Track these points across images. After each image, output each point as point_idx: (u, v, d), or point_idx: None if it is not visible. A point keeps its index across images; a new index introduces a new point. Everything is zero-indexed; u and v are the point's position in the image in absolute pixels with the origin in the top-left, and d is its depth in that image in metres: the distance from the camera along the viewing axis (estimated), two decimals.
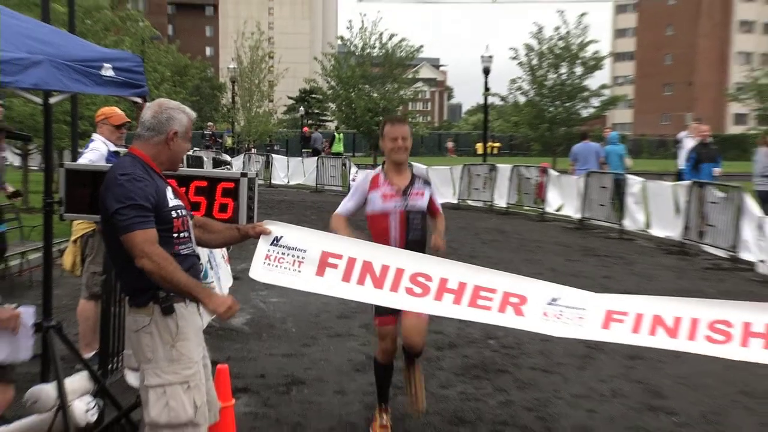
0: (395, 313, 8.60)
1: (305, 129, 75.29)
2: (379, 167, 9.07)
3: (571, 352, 12.87)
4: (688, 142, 27.52)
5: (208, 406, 6.80)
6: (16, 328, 6.12)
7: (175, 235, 6.54)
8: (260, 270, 6.90)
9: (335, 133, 66.77)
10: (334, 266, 7.50)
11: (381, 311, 8.63)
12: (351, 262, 7.78)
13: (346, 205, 9.09)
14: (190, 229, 6.72)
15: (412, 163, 8.70)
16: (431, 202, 9.21)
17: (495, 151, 63.88)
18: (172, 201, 6.56)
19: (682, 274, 20.52)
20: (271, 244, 6.56)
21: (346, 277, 7.71)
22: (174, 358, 6.43)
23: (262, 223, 7.04)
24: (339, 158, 52.30)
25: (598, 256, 23.09)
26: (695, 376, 11.77)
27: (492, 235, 26.81)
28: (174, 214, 6.53)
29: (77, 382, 8.61)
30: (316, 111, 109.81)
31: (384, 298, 7.83)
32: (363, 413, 10.08)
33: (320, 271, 7.50)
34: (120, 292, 8.41)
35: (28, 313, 6.11)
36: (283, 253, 6.67)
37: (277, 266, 6.82)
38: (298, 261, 7.05)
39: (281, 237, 6.68)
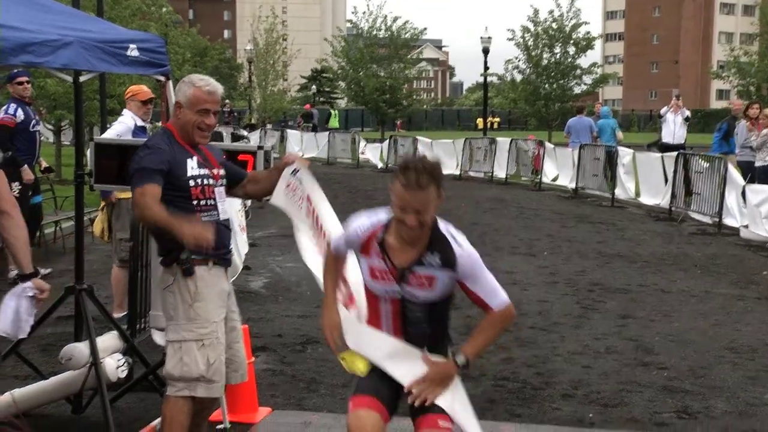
0: (382, 400, 5.35)
1: (307, 106, 75.56)
2: (383, 218, 5.42)
3: (568, 312, 12.88)
4: (670, 117, 27.68)
5: (236, 366, 6.92)
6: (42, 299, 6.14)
7: (194, 202, 6.54)
8: (280, 196, 6.70)
9: (330, 110, 66.96)
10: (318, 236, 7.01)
11: (361, 389, 5.44)
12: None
13: (339, 242, 5.82)
14: (216, 198, 6.67)
15: (440, 221, 5.31)
16: (468, 292, 5.36)
17: (495, 126, 64.00)
18: (193, 171, 6.55)
19: (669, 239, 20.50)
20: (291, 174, 6.47)
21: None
22: (191, 317, 6.48)
23: (289, 155, 6.93)
24: (349, 133, 52.39)
25: (592, 222, 23.06)
26: (683, 334, 11.75)
27: (492, 204, 26.81)
28: (192, 182, 6.53)
29: (108, 340, 8.60)
30: (327, 89, 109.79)
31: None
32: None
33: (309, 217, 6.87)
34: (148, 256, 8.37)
35: (46, 292, 6.15)
36: (297, 185, 6.56)
37: (291, 196, 6.65)
38: (303, 198, 6.84)
39: (300, 170, 6.51)
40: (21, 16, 6.51)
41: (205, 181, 6.61)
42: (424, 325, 5.42)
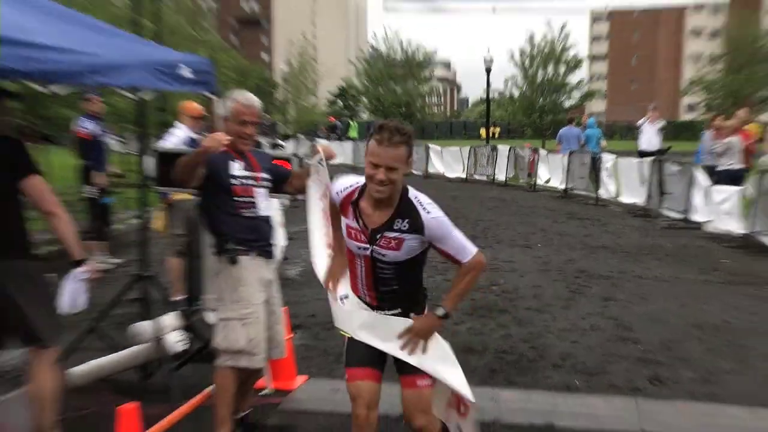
0: (374, 366, 5.45)
1: (331, 118, 75.72)
2: (360, 182, 5.40)
3: (558, 296, 12.89)
4: (647, 127, 27.76)
5: (275, 343, 7.05)
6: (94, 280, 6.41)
7: (236, 199, 6.71)
8: (312, 185, 6.50)
9: (349, 122, 66.90)
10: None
11: (352, 360, 5.48)
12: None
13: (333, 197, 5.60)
14: (255, 196, 6.81)
15: (411, 190, 5.22)
16: (440, 251, 5.28)
17: (496, 135, 63.83)
18: (236, 172, 6.74)
19: (645, 232, 20.48)
20: (318, 162, 6.47)
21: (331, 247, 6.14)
22: (235, 299, 6.65)
23: (318, 146, 6.97)
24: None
25: (579, 218, 23.02)
26: (656, 313, 11.79)
27: (494, 203, 26.77)
28: (234, 182, 6.72)
29: (169, 319, 8.73)
30: (352, 104, 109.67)
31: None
32: None
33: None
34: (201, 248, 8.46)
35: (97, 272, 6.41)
36: (321, 173, 6.50)
37: (318, 185, 6.61)
38: (324, 185, 6.75)
39: (323, 159, 6.45)
40: (91, 40, 6.60)
41: (247, 182, 6.77)
42: (393, 282, 5.34)
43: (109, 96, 16.37)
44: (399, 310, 5.41)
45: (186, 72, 7.43)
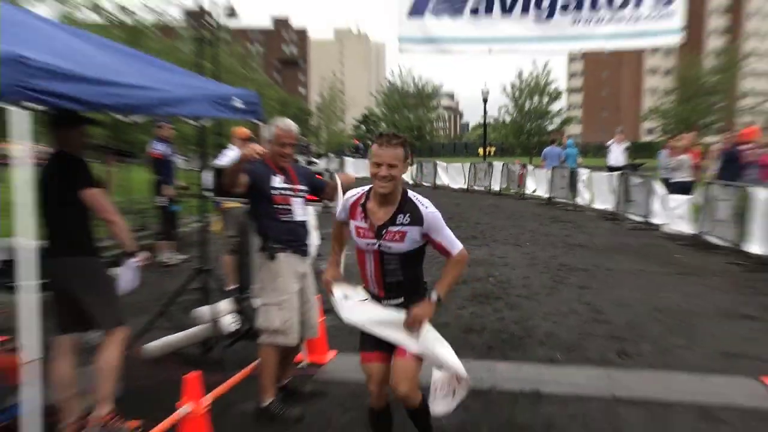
0: (383, 350, 5.28)
1: (356, 140, 75.97)
2: (366, 188, 5.34)
3: (543, 285, 12.85)
4: (615, 146, 27.79)
5: (309, 326, 7.12)
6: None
7: (275, 206, 6.80)
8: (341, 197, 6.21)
9: (369, 143, 67.40)
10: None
11: (365, 345, 5.37)
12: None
13: (339, 213, 5.58)
14: (292, 205, 6.86)
15: (410, 191, 5.18)
16: (432, 242, 5.15)
17: (491, 153, 63.87)
18: (277, 184, 6.82)
19: (614, 232, 20.43)
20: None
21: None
22: (273, 288, 6.75)
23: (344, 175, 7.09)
24: None
25: (561, 222, 22.91)
26: (623, 299, 11.75)
27: (490, 209, 26.69)
28: (274, 192, 6.80)
29: (224, 305, 8.75)
30: (373, 129, 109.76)
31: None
32: None
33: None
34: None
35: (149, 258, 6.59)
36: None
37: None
38: None
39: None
40: (163, 79, 6.73)
41: (285, 192, 6.84)
42: (398, 272, 5.21)
43: (177, 123, 16.41)
44: (402, 299, 5.27)
45: (238, 103, 7.49)
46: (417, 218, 5.04)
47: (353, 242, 5.32)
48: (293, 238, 6.88)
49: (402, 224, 5.05)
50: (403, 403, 5.23)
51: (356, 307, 5.34)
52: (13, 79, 4.50)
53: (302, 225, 7.04)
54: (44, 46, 5.32)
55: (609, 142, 28.95)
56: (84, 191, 6.01)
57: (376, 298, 5.34)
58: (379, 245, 5.10)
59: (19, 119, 4.66)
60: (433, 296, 5.13)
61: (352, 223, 5.26)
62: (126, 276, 6.43)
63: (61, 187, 5.86)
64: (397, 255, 5.11)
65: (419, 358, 5.19)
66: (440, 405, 5.38)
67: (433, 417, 5.46)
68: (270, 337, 6.78)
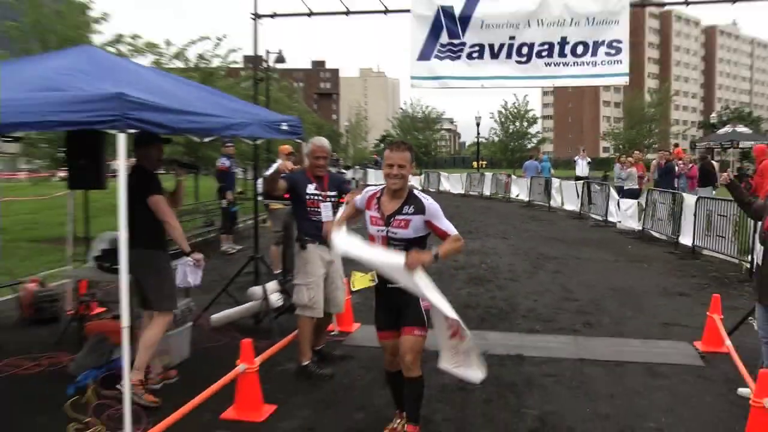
0: (392, 328, 5.05)
1: (375, 155, 76.44)
2: (381, 186, 5.17)
3: (525, 270, 12.75)
4: (579, 161, 27.78)
5: (334, 303, 7.02)
6: (200, 264, 6.36)
7: (308, 208, 6.76)
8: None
9: (379, 159, 68.03)
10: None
11: (379, 326, 5.16)
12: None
13: (357, 201, 5.31)
14: (321, 208, 6.76)
15: (415, 188, 5.13)
16: (433, 227, 4.92)
17: (483, 166, 63.89)
18: (310, 190, 6.75)
19: (580, 228, 20.32)
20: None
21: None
22: (305, 272, 6.71)
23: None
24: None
25: (538, 220, 22.75)
26: (587, 281, 11.66)
27: (482, 210, 26.62)
28: (308, 197, 6.75)
29: (272, 285, 8.66)
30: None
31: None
32: None
33: None
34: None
35: (202, 261, 6.37)
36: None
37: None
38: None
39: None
40: (227, 108, 6.71)
41: (316, 198, 6.77)
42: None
43: (237, 143, 16.43)
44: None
45: (285, 126, 7.49)
46: (420, 208, 4.88)
47: (366, 232, 5.08)
48: (320, 234, 6.70)
49: (407, 213, 4.89)
50: (404, 370, 4.94)
51: (353, 242, 5.02)
52: (118, 110, 4.70)
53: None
54: (140, 86, 5.57)
55: (575, 158, 28.96)
56: (150, 197, 5.97)
57: (384, 280, 4.95)
58: (387, 231, 4.91)
59: (121, 141, 4.80)
60: (434, 250, 4.81)
61: (367, 213, 5.07)
62: (181, 271, 6.25)
63: (136, 193, 5.74)
64: (403, 241, 4.88)
65: (424, 334, 4.92)
66: (470, 373, 5.09)
67: (470, 382, 5.24)
68: (301, 310, 6.72)
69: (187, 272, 6.31)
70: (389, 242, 4.89)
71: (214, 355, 7.29)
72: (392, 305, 5.00)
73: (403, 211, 4.90)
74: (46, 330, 8.33)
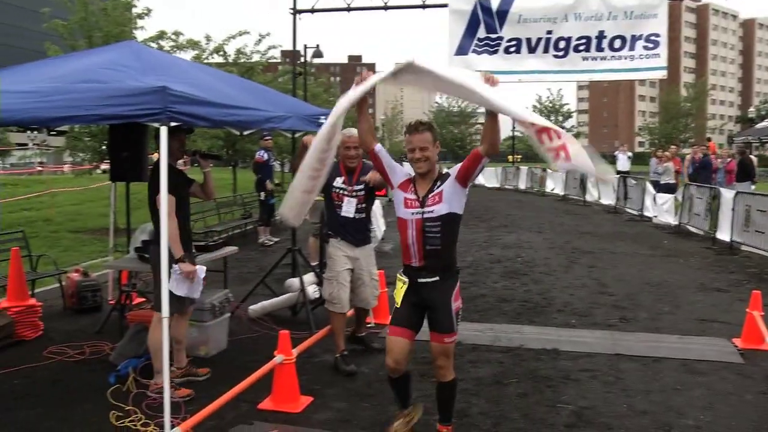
0: (411, 328, 4.71)
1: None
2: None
3: (560, 264, 12.59)
4: (620, 155, 27.36)
5: (360, 298, 6.91)
6: (194, 278, 5.90)
7: (333, 201, 6.69)
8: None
9: None
10: None
11: (397, 321, 4.74)
12: None
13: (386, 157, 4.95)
14: (343, 202, 6.66)
15: (445, 169, 4.85)
16: (465, 166, 4.61)
17: (518, 159, 63.50)
18: (337, 184, 6.65)
19: (615, 223, 20.05)
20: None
21: None
22: (329, 267, 6.71)
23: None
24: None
25: (573, 214, 22.56)
26: (622, 275, 11.47)
27: (517, 204, 26.48)
28: (333, 190, 6.65)
29: (309, 277, 8.64)
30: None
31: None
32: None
33: None
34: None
35: (202, 270, 5.99)
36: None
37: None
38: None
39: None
40: (267, 102, 6.76)
41: (340, 192, 6.67)
42: (437, 240, 4.57)
43: (276, 136, 16.51)
44: (437, 278, 4.63)
45: (323, 119, 7.43)
46: (446, 177, 4.66)
47: (396, 220, 4.79)
48: (343, 229, 6.68)
49: (438, 187, 4.62)
50: (437, 375, 4.74)
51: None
52: (160, 104, 4.73)
53: (354, 220, 6.73)
54: (182, 79, 5.57)
55: (616, 153, 28.61)
56: (157, 195, 5.46)
57: (415, 273, 4.67)
58: (423, 213, 4.58)
59: (163, 134, 4.82)
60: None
61: (402, 195, 4.70)
62: (172, 278, 5.60)
63: (153, 188, 5.69)
64: (437, 219, 4.56)
65: (454, 341, 4.66)
66: (590, 166, 4.49)
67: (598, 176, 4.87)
68: (327, 304, 6.73)
69: (174, 280, 5.66)
70: (424, 226, 4.57)
71: (252, 346, 7.31)
72: (420, 302, 4.69)
73: (435, 188, 4.65)
74: (88, 319, 8.46)
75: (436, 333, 4.64)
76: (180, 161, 6.55)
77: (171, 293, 5.31)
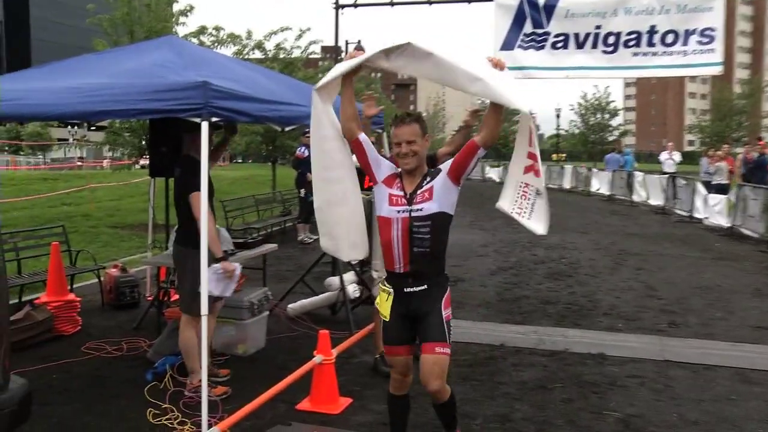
0: (407, 343, 4.32)
1: None
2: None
3: (606, 266, 12.46)
4: (666, 158, 26.93)
5: None
6: (233, 276, 5.86)
7: None
8: None
9: None
10: None
11: (390, 339, 4.34)
12: None
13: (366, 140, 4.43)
14: None
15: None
16: (458, 159, 4.21)
17: (563, 159, 63.12)
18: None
19: (663, 224, 19.78)
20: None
21: None
22: (380, 266, 6.46)
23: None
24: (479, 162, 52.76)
25: (619, 215, 22.37)
26: (671, 279, 11.30)
27: (560, 204, 26.09)
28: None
29: (349, 276, 8.64)
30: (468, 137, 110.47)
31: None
32: (496, 297, 9.90)
33: None
34: None
35: (238, 268, 5.95)
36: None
37: None
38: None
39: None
40: (304, 95, 6.53)
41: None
42: (425, 242, 4.11)
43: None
44: (425, 287, 4.19)
45: None
46: (437, 172, 4.24)
47: (378, 219, 4.33)
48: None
49: (428, 182, 4.21)
50: (433, 398, 4.35)
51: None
52: (202, 99, 4.76)
53: None
54: (223, 75, 5.62)
55: (661, 156, 28.13)
56: (191, 192, 5.55)
57: (400, 281, 4.24)
58: (410, 211, 4.13)
59: (204, 130, 4.85)
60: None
61: (387, 191, 4.25)
62: (211, 278, 5.49)
63: (183, 185, 5.70)
64: (427, 219, 4.12)
65: (447, 353, 4.17)
66: (533, 224, 4.62)
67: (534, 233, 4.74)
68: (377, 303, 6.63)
69: (214, 279, 5.60)
70: (411, 226, 4.13)
71: (290, 345, 7.34)
72: (409, 313, 4.25)
73: (424, 184, 4.23)
74: (126, 315, 8.58)
75: (427, 342, 4.17)
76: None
77: (192, 295, 5.32)
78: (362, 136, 4.37)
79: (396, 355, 4.36)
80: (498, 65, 4.24)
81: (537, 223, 4.62)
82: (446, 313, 4.22)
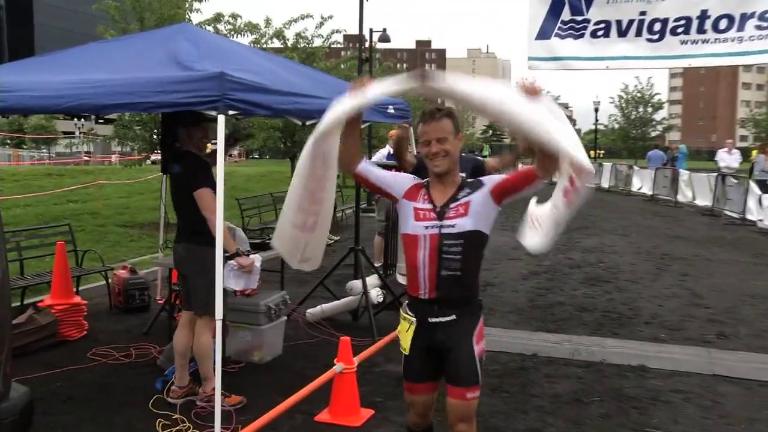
0: (431, 380, 3.91)
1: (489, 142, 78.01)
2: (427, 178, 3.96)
3: (648, 271, 12.38)
4: (725, 156, 26.40)
5: None
6: (251, 270, 5.89)
7: None
8: None
9: (483, 146, 68.78)
10: None
11: (411, 376, 3.91)
12: None
13: (374, 164, 4.14)
14: None
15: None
16: (506, 181, 3.75)
17: (601, 155, 62.72)
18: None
19: (711, 227, 19.58)
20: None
21: None
22: (401, 271, 6.56)
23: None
24: None
25: (662, 216, 22.18)
26: (720, 285, 11.21)
27: (599, 204, 25.98)
28: None
29: (372, 279, 8.68)
30: (498, 133, 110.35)
31: None
32: (528, 303, 9.88)
33: None
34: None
35: (258, 260, 5.97)
36: None
37: None
38: None
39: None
40: (331, 89, 6.62)
41: None
42: (456, 263, 3.68)
43: None
44: (453, 317, 3.76)
45: (392, 110, 7.59)
46: (478, 184, 3.82)
47: (403, 238, 3.91)
48: None
49: (464, 196, 3.78)
50: None
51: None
52: (218, 91, 4.78)
53: None
54: (241, 66, 5.64)
55: (717, 157, 27.66)
56: (196, 191, 5.60)
57: (425, 309, 3.81)
58: (441, 227, 3.72)
59: (221, 123, 4.89)
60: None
61: (411, 205, 3.83)
62: (229, 275, 5.67)
63: (186, 183, 5.71)
64: (459, 237, 3.70)
65: (477, 395, 3.79)
66: (532, 239, 4.39)
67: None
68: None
69: (230, 275, 5.73)
70: (440, 244, 3.71)
71: (309, 352, 7.37)
72: (433, 346, 3.83)
73: (459, 196, 3.81)
74: (135, 319, 8.66)
75: (454, 387, 3.77)
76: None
77: (210, 294, 5.19)
78: (361, 166, 3.97)
79: (416, 394, 3.97)
80: (530, 91, 3.60)
81: (535, 238, 4.42)
82: (478, 348, 3.82)
